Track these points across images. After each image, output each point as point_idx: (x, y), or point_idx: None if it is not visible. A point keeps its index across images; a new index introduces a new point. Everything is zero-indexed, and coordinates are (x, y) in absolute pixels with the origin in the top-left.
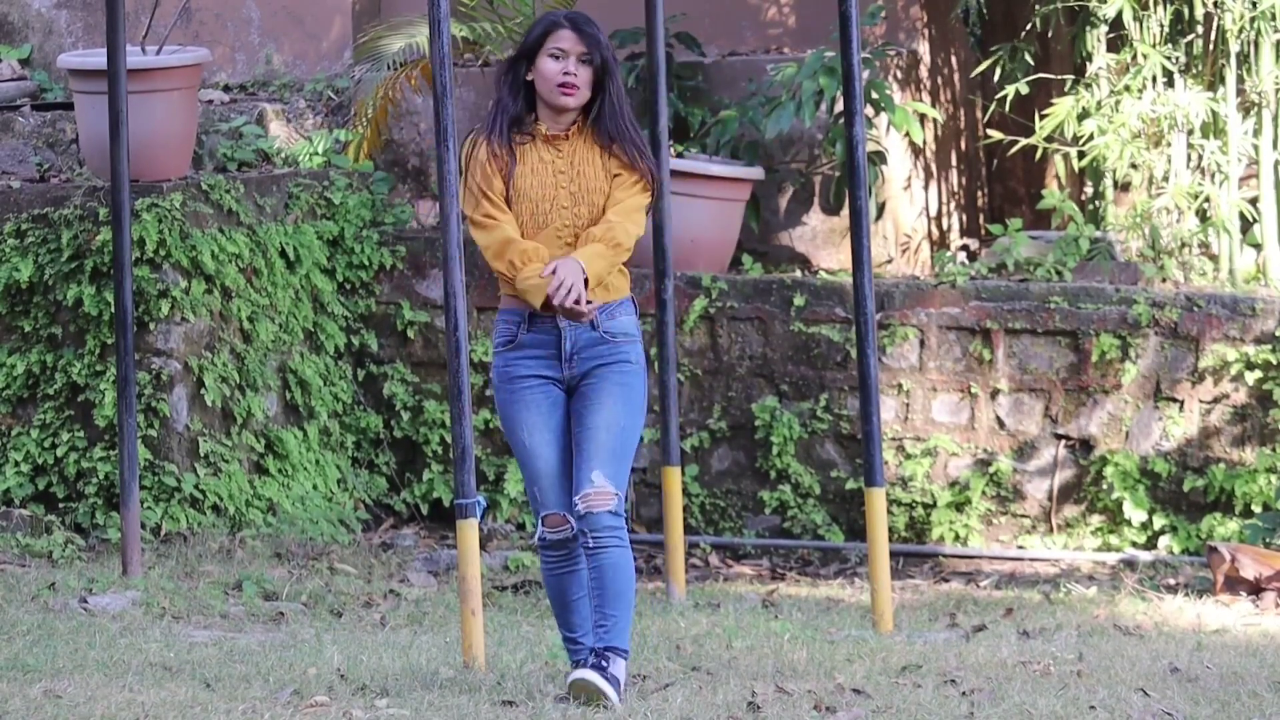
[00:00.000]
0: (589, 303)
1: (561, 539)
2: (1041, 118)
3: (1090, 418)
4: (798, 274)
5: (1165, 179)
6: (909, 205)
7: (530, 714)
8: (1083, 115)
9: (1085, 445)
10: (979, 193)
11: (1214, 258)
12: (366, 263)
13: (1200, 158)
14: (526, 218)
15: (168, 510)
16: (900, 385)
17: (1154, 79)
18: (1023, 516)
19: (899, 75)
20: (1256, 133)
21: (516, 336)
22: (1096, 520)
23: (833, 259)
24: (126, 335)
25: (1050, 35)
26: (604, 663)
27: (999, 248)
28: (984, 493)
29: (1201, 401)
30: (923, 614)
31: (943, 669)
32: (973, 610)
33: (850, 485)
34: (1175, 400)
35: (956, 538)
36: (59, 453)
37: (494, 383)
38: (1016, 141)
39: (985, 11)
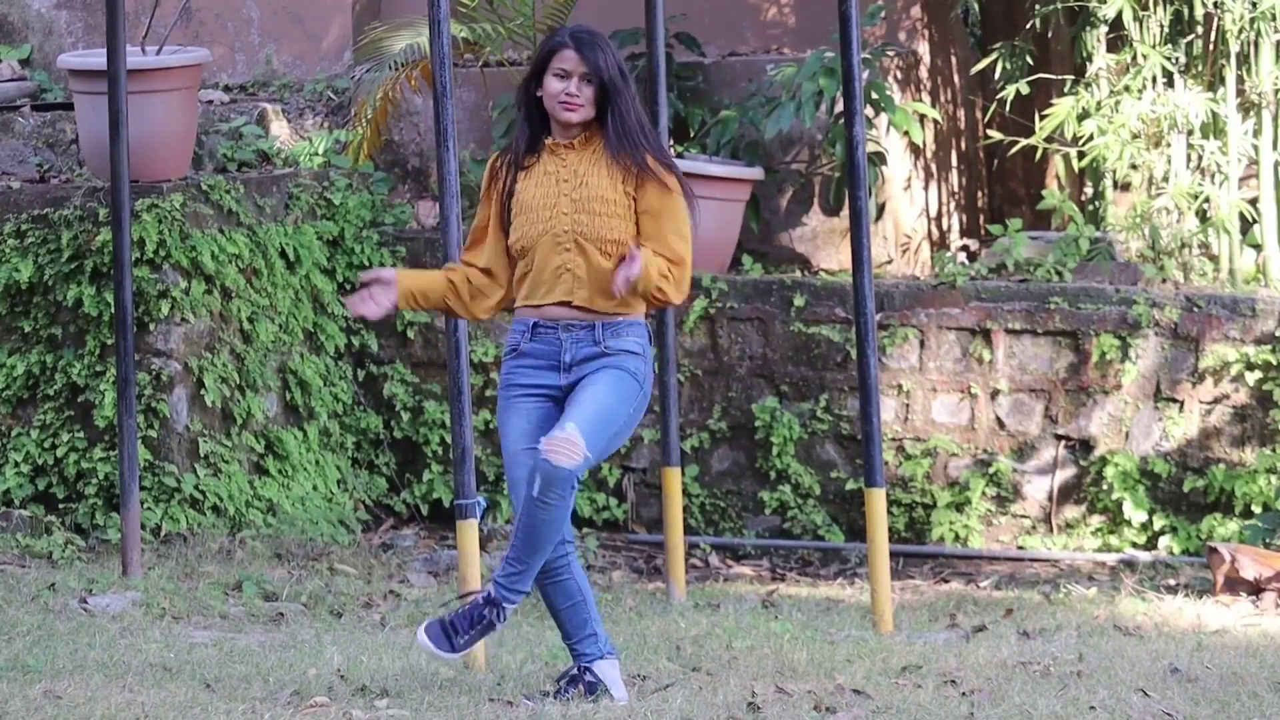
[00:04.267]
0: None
1: None
2: (1041, 118)
3: (1090, 418)
4: (798, 274)
5: (1165, 179)
6: (909, 205)
7: (530, 714)
8: (1083, 115)
9: (1085, 446)
10: (979, 193)
11: (1214, 258)
12: (366, 263)
13: (1200, 158)
14: (526, 228)
15: (168, 511)
16: (900, 385)
17: (1154, 79)
18: (1023, 517)
19: (899, 75)
20: (1256, 133)
21: (519, 345)
22: (1096, 521)
23: (833, 259)
24: (126, 336)
25: (1050, 35)
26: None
27: (999, 248)
28: (984, 493)
29: (1201, 402)
30: (923, 614)
31: (943, 669)
32: (973, 610)
33: (850, 485)
34: (1175, 401)
35: (956, 538)
36: (59, 453)
37: (498, 388)
38: (1016, 142)
39: (984, 11)
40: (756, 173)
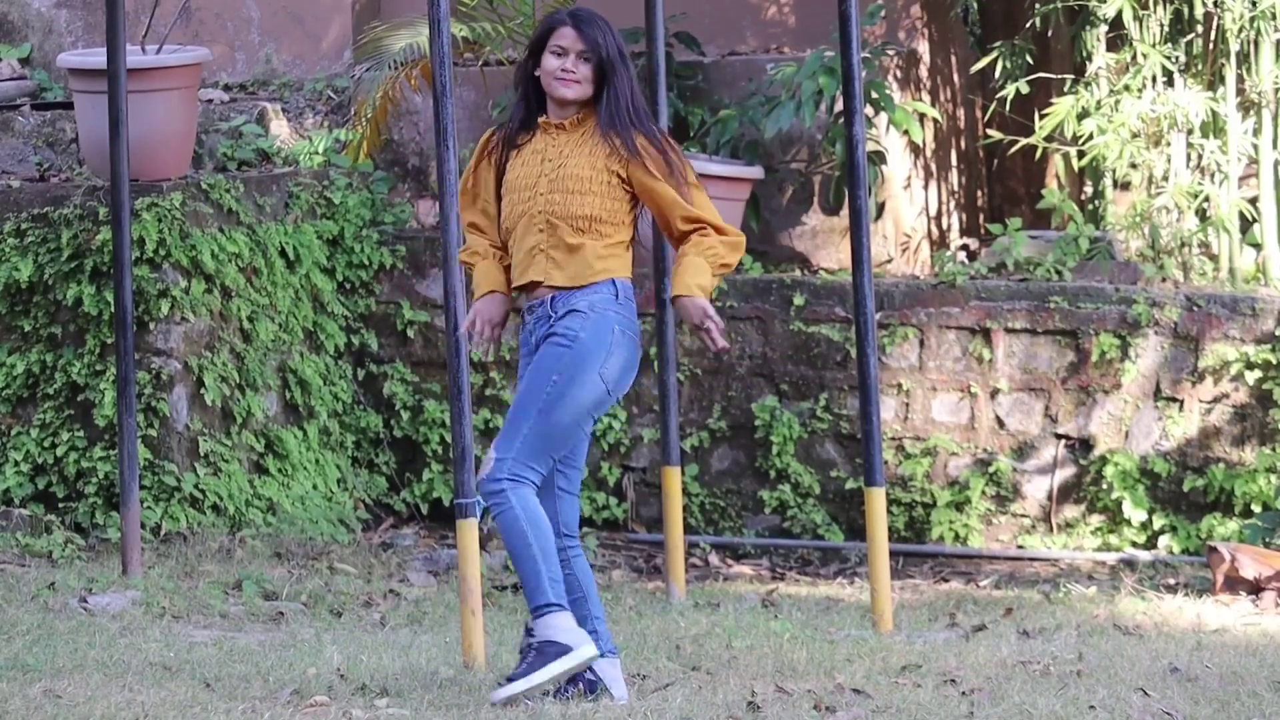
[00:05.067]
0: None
1: None
2: (1041, 117)
3: (1090, 417)
4: (798, 273)
5: (1165, 178)
6: (909, 205)
7: (530, 713)
8: (1082, 115)
9: (1085, 445)
10: (979, 192)
11: (1214, 257)
12: (366, 262)
13: (1200, 157)
14: (509, 210)
15: (168, 510)
16: (900, 385)
17: (1154, 78)
18: (1022, 516)
19: (898, 75)
20: (1256, 132)
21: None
22: (1096, 520)
23: (832, 259)
24: (126, 335)
25: (1050, 34)
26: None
27: (999, 247)
28: (984, 492)
29: (1201, 401)
30: (923, 614)
31: (943, 669)
32: (972, 610)
33: (850, 485)
34: (1175, 400)
35: (956, 537)
36: (59, 452)
37: None
38: (1016, 141)
39: (983, 10)
40: (756, 172)
